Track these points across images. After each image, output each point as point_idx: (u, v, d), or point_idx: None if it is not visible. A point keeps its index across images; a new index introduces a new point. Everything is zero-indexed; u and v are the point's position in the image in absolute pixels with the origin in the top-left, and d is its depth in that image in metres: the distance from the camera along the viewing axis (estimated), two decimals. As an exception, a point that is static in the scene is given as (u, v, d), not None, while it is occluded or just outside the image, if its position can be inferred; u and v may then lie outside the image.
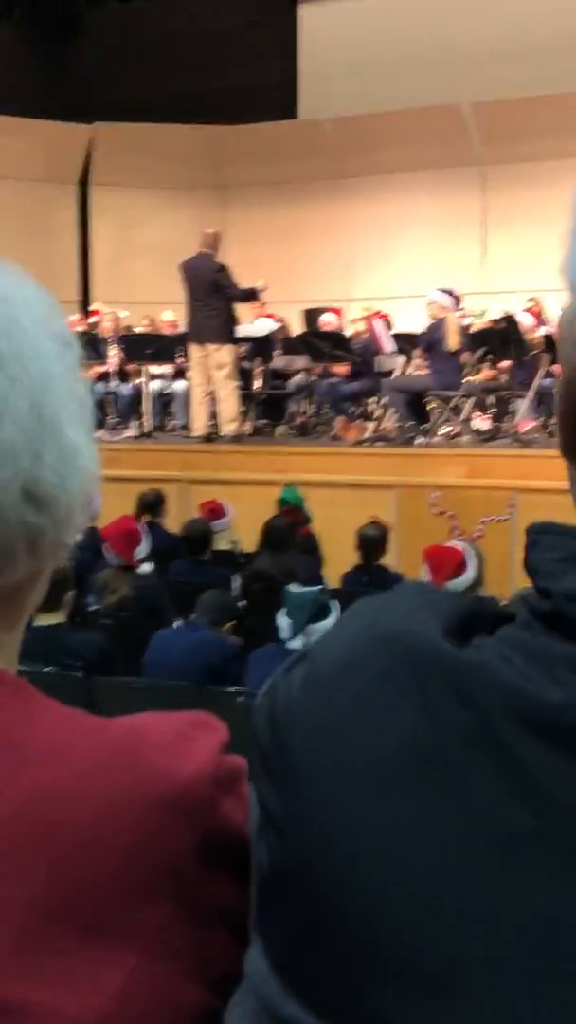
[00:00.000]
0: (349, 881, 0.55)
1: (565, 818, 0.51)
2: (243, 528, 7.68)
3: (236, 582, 6.64)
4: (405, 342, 10.81)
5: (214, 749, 0.70)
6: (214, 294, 9.79)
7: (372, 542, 6.87)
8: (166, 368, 11.64)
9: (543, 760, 0.52)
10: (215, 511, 7.36)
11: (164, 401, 11.79)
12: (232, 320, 10.12)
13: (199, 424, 10.23)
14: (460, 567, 5.22)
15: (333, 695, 0.59)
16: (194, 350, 10.07)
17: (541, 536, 0.60)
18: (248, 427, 10.50)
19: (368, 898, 0.54)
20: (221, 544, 7.38)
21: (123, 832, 0.66)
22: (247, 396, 10.82)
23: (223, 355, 9.89)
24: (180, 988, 0.67)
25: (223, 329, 9.92)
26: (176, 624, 5.28)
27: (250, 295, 10.23)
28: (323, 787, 0.57)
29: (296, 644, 4.46)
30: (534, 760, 0.52)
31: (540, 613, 0.57)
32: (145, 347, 11.29)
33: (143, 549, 5.91)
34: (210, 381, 10.05)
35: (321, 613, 4.53)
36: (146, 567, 5.95)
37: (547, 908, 0.51)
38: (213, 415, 10.22)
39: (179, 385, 11.61)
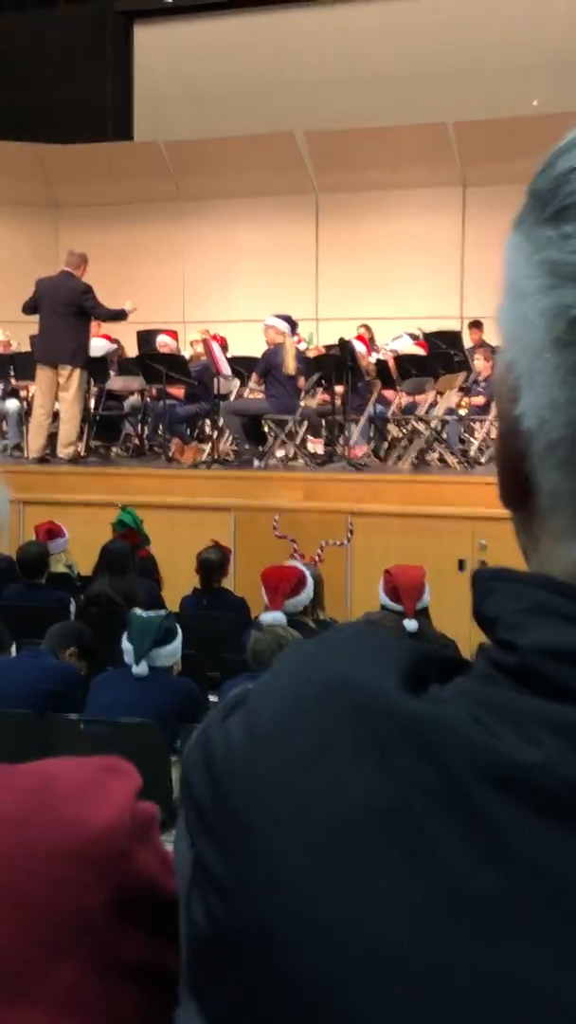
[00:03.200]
0: (305, 947, 0.52)
1: (540, 883, 0.49)
2: (79, 551, 7.57)
3: (73, 605, 6.53)
4: (241, 365, 10.88)
5: (128, 797, 0.67)
6: (73, 315, 9.63)
7: (212, 565, 6.85)
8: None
9: (516, 822, 0.50)
10: (52, 533, 7.23)
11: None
12: (87, 344, 9.99)
13: (36, 446, 10.03)
14: (299, 584, 5.20)
15: (281, 750, 0.55)
16: (43, 370, 9.86)
17: (497, 584, 0.57)
18: (82, 448, 10.38)
19: (326, 964, 0.51)
20: (57, 567, 7.26)
21: (32, 887, 0.63)
22: (82, 418, 10.69)
23: (73, 377, 9.75)
24: None
25: (78, 352, 9.79)
26: (14, 650, 5.15)
27: (119, 315, 10.11)
28: (274, 849, 0.53)
29: (140, 669, 4.42)
30: (506, 822, 0.50)
31: (505, 667, 0.54)
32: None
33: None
34: (55, 402, 9.89)
35: (166, 637, 4.50)
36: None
37: (518, 975, 0.48)
38: (51, 437, 10.04)
39: (11, 404, 11.39)
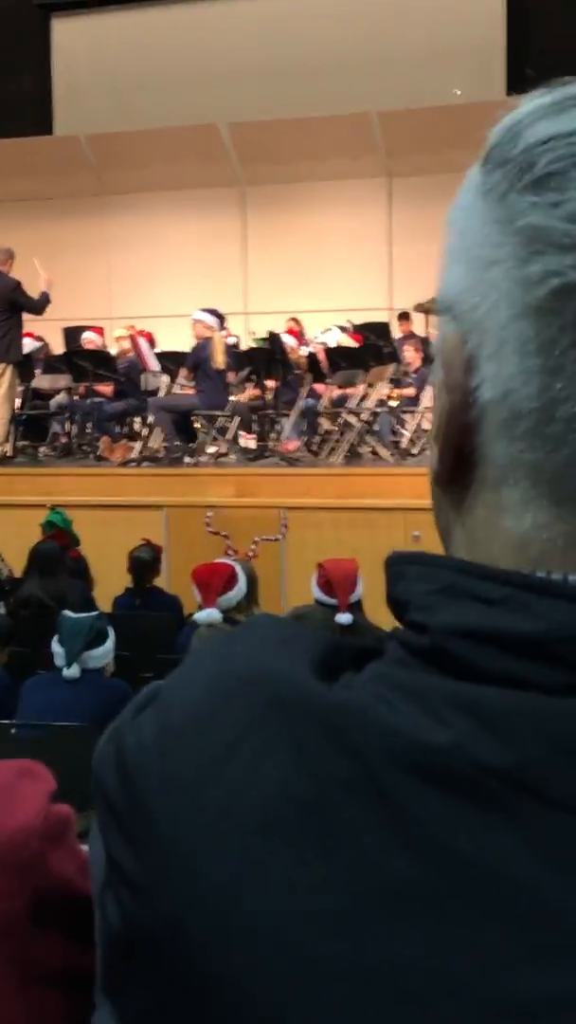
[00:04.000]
0: (220, 944, 0.50)
1: (457, 867, 0.48)
2: (7, 554, 7.45)
3: (2, 608, 6.43)
4: (170, 361, 10.80)
5: (41, 799, 0.65)
6: (3, 311, 9.50)
7: (144, 564, 6.79)
8: None
9: (430, 806, 0.49)
10: (-22, 535, 7.10)
11: None
12: (20, 340, 9.86)
13: (-36, 448, 9.89)
14: (231, 580, 5.14)
15: (193, 745, 0.54)
16: None
17: (410, 567, 0.56)
18: (9, 448, 10.23)
19: (242, 960, 0.49)
20: (-15, 570, 7.14)
21: None
22: (9, 418, 10.54)
23: (4, 376, 9.63)
24: None
25: (10, 349, 9.66)
26: None
27: (46, 299, 9.99)
28: (187, 845, 0.52)
29: (72, 672, 4.34)
30: (420, 807, 0.49)
31: (415, 649, 0.53)
32: None
33: None
34: None
35: (97, 639, 4.43)
36: None
37: (444, 966, 0.47)
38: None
39: None
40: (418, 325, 12.16)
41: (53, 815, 0.65)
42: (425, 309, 10.64)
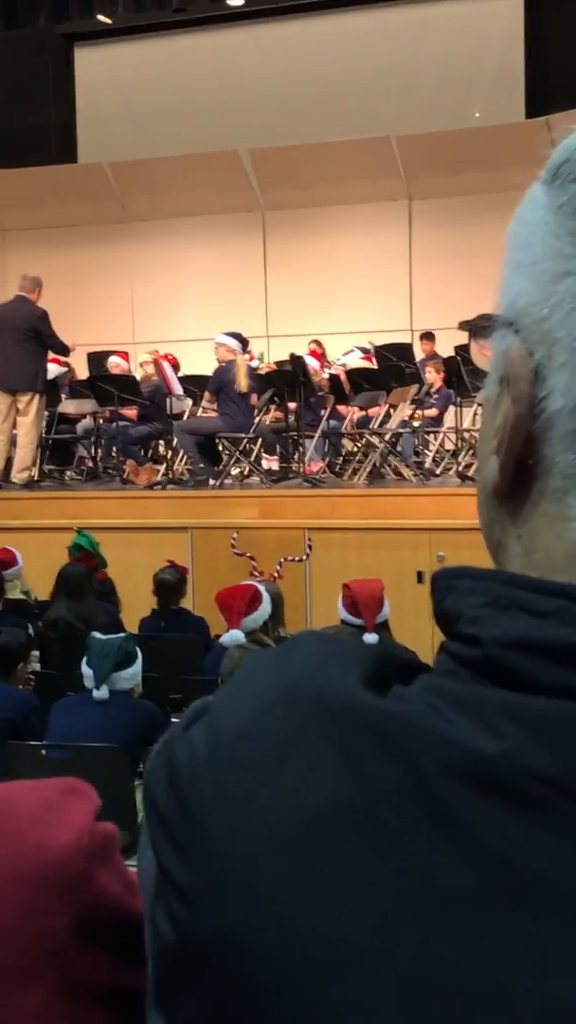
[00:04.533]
0: (274, 953, 0.50)
1: (509, 874, 0.48)
2: (35, 576, 7.51)
3: (31, 631, 6.47)
4: (193, 385, 10.86)
5: (87, 818, 0.66)
6: (32, 340, 9.58)
7: (169, 586, 6.82)
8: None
9: (482, 815, 0.49)
10: (5, 559, 7.16)
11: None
12: (45, 369, 9.95)
13: (-8, 472, 9.98)
14: (254, 601, 5.14)
15: (243, 756, 0.55)
16: (1, 396, 9.80)
17: (459, 581, 0.57)
18: (36, 473, 10.31)
19: (293, 971, 0.50)
20: (13, 593, 7.19)
21: None
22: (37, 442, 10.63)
23: (33, 403, 9.71)
24: None
25: (37, 377, 9.75)
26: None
27: (65, 349, 10.11)
28: (238, 854, 0.52)
29: (102, 694, 4.38)
30: (472, 815, 0.49)
31: (466, 661, 0.54)
32: None
33: None
34: (13, 428, 9.84)
35: (126, 660, 4.47)
36: None
37: (496, 971, 0.47)
38: (6, 462, 9.99)
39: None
40: (441, 346, 12.18)
41: (99, 833, 0.65)
42: (471, 327, 10.55)
